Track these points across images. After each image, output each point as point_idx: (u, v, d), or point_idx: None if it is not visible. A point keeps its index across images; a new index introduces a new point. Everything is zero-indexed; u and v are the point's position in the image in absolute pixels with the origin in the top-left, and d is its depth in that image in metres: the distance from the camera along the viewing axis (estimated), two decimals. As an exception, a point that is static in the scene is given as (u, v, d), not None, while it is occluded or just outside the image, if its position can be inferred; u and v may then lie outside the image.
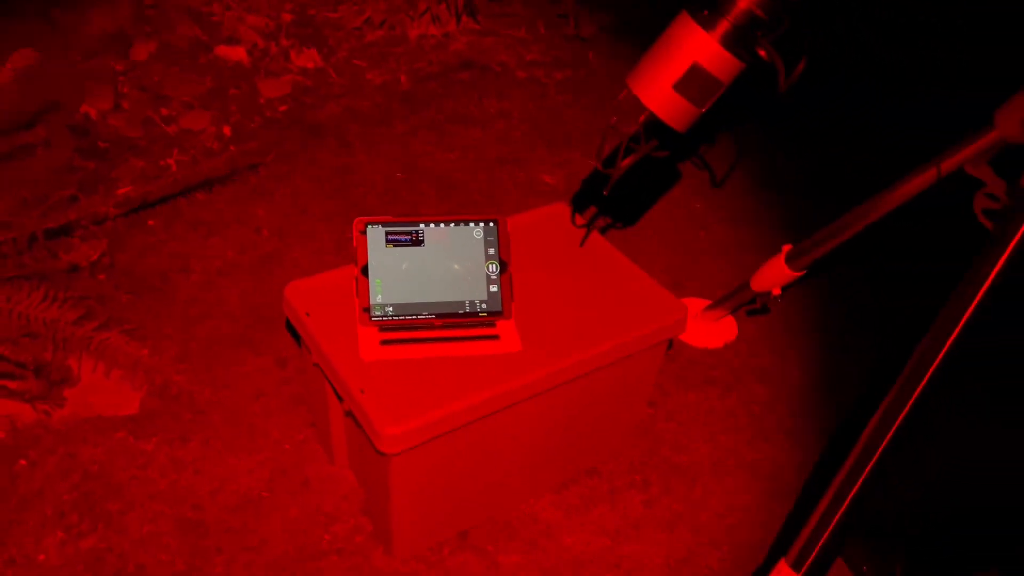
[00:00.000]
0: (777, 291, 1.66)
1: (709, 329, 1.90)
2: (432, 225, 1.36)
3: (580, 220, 1.55)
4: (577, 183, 2.39)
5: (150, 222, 2.04)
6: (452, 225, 1.37)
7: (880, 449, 1.05)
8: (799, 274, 1.60)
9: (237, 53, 2.63)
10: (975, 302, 0.99)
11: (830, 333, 1.99)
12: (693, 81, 1.00)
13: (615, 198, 2.29)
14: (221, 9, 2.75)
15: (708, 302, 1.94)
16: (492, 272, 1.37)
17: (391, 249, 1.34)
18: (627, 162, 1.09)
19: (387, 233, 1.34)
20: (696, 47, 0.99)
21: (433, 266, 1.35)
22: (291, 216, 2.14)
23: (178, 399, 1.62)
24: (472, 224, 1.37)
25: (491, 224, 1.38)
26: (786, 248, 1.62)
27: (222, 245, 2.02)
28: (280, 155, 2.32)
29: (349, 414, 1.30)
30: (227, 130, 2.37)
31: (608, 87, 2.85)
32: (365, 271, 1.33)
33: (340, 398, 1.34)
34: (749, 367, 1.88)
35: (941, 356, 1.00)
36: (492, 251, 1.38)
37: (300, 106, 2.54)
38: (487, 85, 2.77)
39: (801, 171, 2.57)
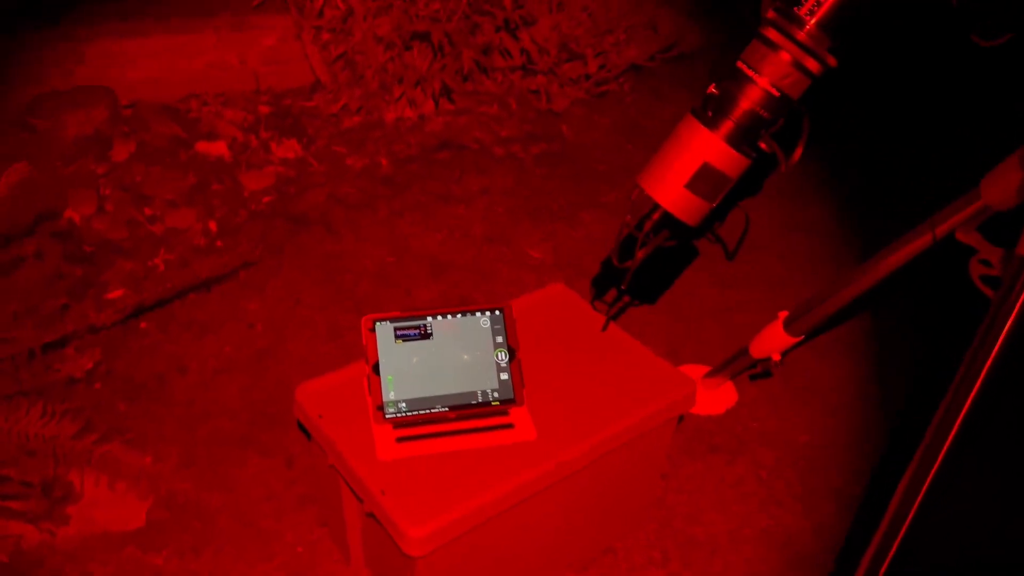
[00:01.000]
0: (777, 357, 1.68)
1: (710, 396, 1.92)
2: (439, 317, 1.37)
3: (600, 306, 1.57)
4: (563, 256, 2.42)
5: (143, 325, 2.03)
6: (459, 316, 1.38)
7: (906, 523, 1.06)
8: (798, 339, 1.63)
9: (217, 148, 2.65)
10: (983, 374, 1.02)
11: (828, 393, 2.02)
12: (704, 180, 1.04)
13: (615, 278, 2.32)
14: (198, 105, 2.79)
15: (706, 368, 1.96)
16: (501, 360, 1.38)
17: (400, 345, 1.35)
18: (641, 256, 1.12)
19: (396, 329, 1.35)
20: (705, 148, 1.04)
21: (443, 358, 1.36)
22: (284, 308, 2.14)
23: (185, 508, 1.59)
24: (479, 314, 1.39)
25: (497, 312, 1.39)
26: (783, 314, 1.65)
27: (217, 343, 2.01)
28: (268, 247, 2.33)
29: (371, 516, 1.28)
30: (213, 226, 2.38)
31: (583, 158, 2.91)
32: (376, 369, 1.33)
33: (360, 499, 1.32)
34: (752, 432, 1.89)
35: (955, 430, 1.03)
36: (500, 339, 1.39)
37: (284, 197, 2.56)
38: (466, 163, 2.81)
39: (788, 232, 2.63)
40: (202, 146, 2.65)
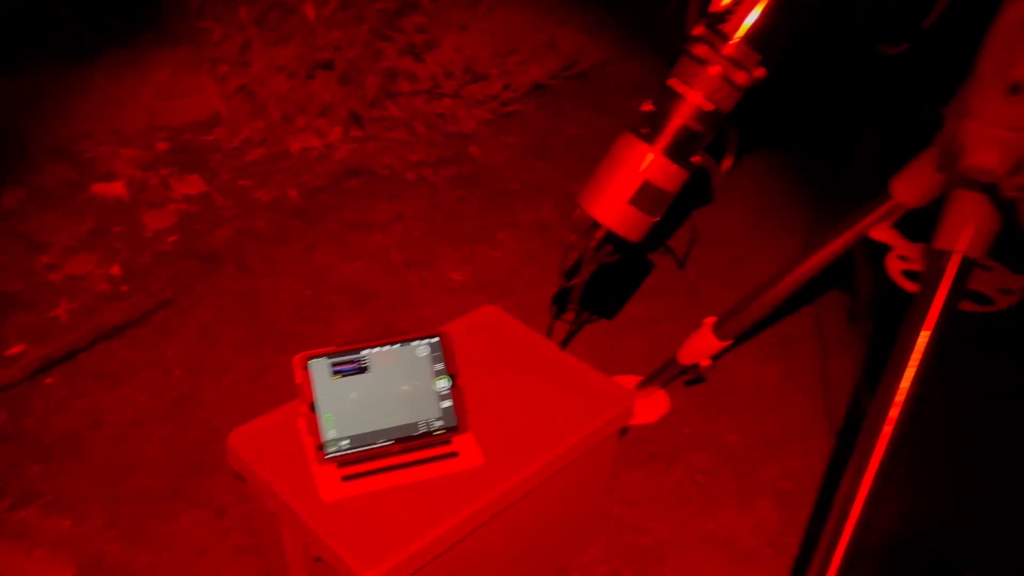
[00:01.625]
0: (707, 362, 1.72)
1: (644, 405, 1.94)
2: (376, 349, 1.34)
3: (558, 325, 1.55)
4: (484, 276, 2.41)
5: (48, 380, 1.91)
6: (396, 346, 1.35)
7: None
8: (727, 343, 1.67)
9: (115, 188, 2.54)
10: (917, 367, 1.06)
11: (753, 393, 2.08)
12: (646, 196, 1.05)
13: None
14: (92, 145, 2.66)
15: (637, 379, 1.99)
16: (442, 388, 1.36)
17: (337, 380, 1.31)
18: (587, 273, 1.13)
19: (331, 365, 1.31)
20: (644, 164, 1.05)
21: (382, 391, 1.33)
22: (201, 351, 2.05)
23: (114, 571, 1.49)
24: (415, 342, 1.36)
25: (434, 340, 1.37)
26: (709, 320, 1.69)
27: (132, 393, 1.91)
28: (179, 289, 2.24)
29: (319, 560, 1.24)
30: (116, 270, 2.27)
31: (495, 178, 2.92)
32: (314, 407, 1.29)
33: (306, 544, 1.27)
34: (685, 437, 1.93)
35: (896, 420, 1.07)
36: (439, 367, 1.37)
37: (190, 235, 2.46)
38: (378, 190, 2.78)
39: (708, 252, 2.70)
40: (99, 187, 2.53)
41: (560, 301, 2.21)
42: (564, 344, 2.10)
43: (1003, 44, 1.05)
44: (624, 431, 1.64)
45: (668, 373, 1.86)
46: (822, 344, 2.22)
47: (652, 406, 1.95)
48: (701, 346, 1.72)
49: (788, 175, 3.06)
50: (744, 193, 2.92)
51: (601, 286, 2.41)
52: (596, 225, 1.08)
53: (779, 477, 1.83)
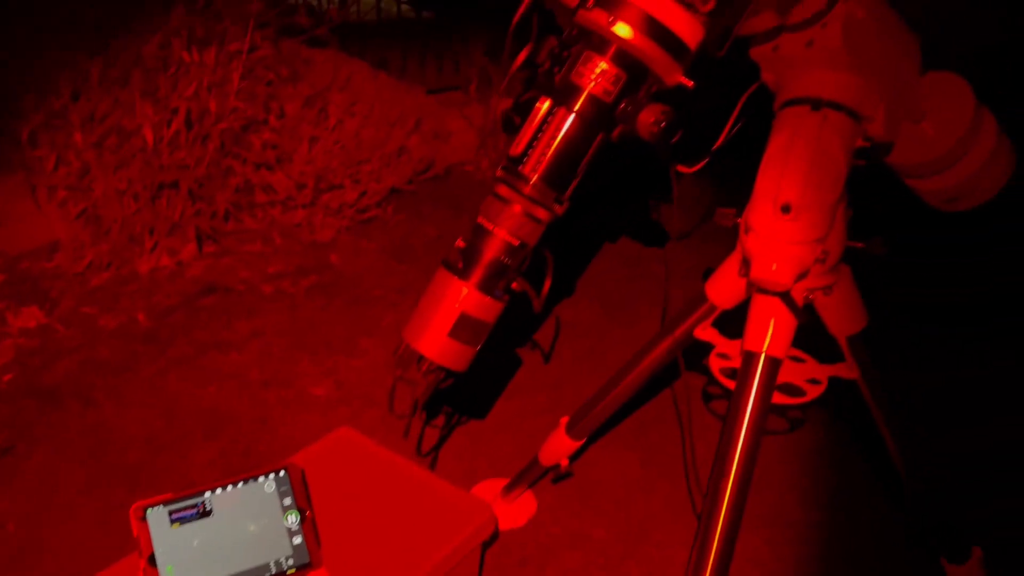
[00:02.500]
0: (565, 462, 1.75)
1: (511, 509, 1.95)
2: (218, 491, 1.29)
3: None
4: (348, 389, 2.38)
5: None
6: (240, 485, 1.31)
7: None
8: (582, 441, 1.71)
9: (-58, 327, 2.38)
10: (738, 460, 1.13)
11: (616, 486, 2.12)
12: (464, 328, 1.09)
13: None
14: (-85, 282, 2.49)
15: (504, 480, 1.99)
16: (292, 523, 1.32)
17: (178, 529, 1.26)
18: (419, 406, 1.14)
19: (170, 513, 1.26)
20: (460, 298, 1.09)
21: (227, 534, 1.28)
22: (41, 499, 1.92)
23: None
24: (262, 479, 1.33)
25: (282, 473, 1.34)
26: (564, 419, 1.73)
27: (-42, 556, 1.75)
28: (15, 432, 2.10)
29: None
30: (-57, 417, 2.11)
31: (356, 284, 2.92)
32: (152, 561, 1.23)
33: None
34: (555, 537, 1.93)
35: (727, 509, 1.12)
36: (288, 501, 1.33)
37: (28, 371, 2.32)
38: (234, 306, 2.72)
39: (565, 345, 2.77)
40: (-78, 328, 2.36)
41: (427, 409, 2.21)
42: (435, 450, 2.09)
43: (773, 167, 1.17)
44: (493, 538, 1.64)
45: (532, 474, 1.88)
46: (680, 425, 2.30)
47: (519, 509, 1.96)
48: (559, 447, 1.75)
49: (638, 267, 3.21)
50: (601, 287, 3.04)
51: (470, 387, 2.43)
52: (422, 358, 1.10)
53: (647, 571, 1.86)
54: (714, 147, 1.28)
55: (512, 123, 1.15)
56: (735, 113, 1.32)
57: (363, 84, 3.18)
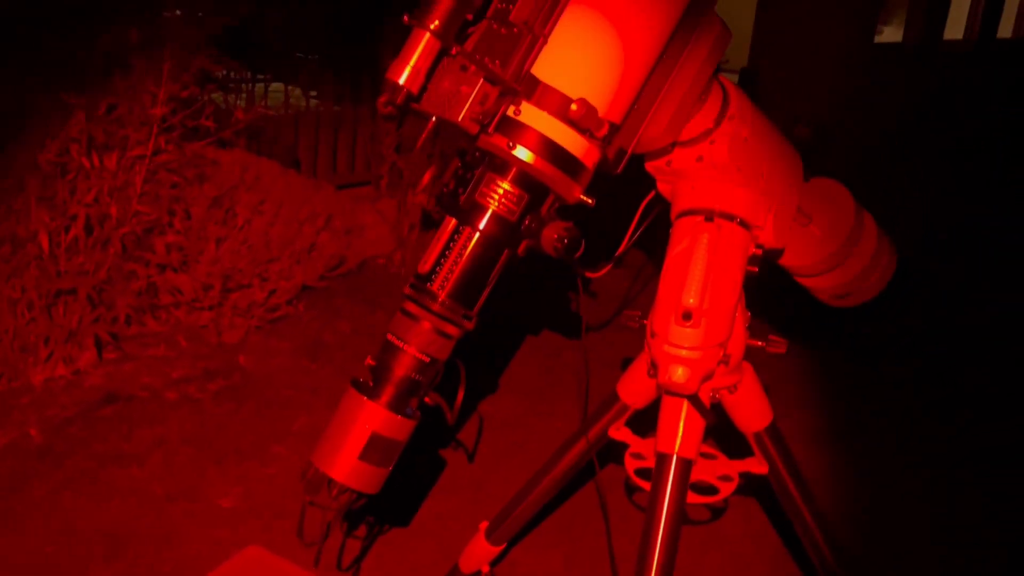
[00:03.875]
0: (486, 568, 1.72)
1: (432, 621, 1.89)
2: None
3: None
4: (258, 499, 2.29)
5: None
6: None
7: None
8: (502, 547, 1.69)
9: None
10: (658, 559, 1.13)
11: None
12: (375, 449, 1.08)
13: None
14: None
15: (423, 592, 1.94)
16: (197, 661, 1.25)
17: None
18: (333, 527, 1.11)
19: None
20: (371, 418, 1.08)
21: None
22: (-86, 644, 1.75)
23: None
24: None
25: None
26: (483, 525, 1.70)
27: None
28: None
29: None
30: None
31: (267, 386, 2.84)
32: None
33: None
34: (479, 646, 1.88)
35: None
36: (192, 637, 1.26)
37: (-95, 498, 2.15)
38: (136, 415, 2.60)
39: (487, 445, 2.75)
40: None
41: (347, 519, 2.14)
42: (356, 563, 2.02)
43: (673, 275, 1.22)
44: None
45: (453, 584, 1.83)
46: (605, 520, 2.30)
47: (441, 620, 1.90)
48: (479, 553, 1.71)
49: (559, 358, 3.24)
50: (521, 379, 3.04)
51: (391, 492, 2.37)
52: (332, 482, 1.08)
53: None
54: (617, 253, 1.33)
55: (432, 219, 1.16)
56: (635, 220, 1.38)
57: (272, 183, 3.17)
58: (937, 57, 7.29)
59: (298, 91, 4.62)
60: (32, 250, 2.39)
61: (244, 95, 4.17)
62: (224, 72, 2.81)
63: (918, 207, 5.22)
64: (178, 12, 2.41)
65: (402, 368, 1.11)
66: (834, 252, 1.46)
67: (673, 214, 1.34)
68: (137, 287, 2.73)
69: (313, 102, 4.48)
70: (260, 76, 4.27)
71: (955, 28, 7.62)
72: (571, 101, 1.03)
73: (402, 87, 1.00)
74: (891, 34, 7.03)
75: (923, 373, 3.29)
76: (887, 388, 3.19)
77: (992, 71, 7.95)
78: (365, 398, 1.10)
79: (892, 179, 5.82)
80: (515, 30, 1.01)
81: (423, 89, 1.02)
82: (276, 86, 4.56)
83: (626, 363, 1.48)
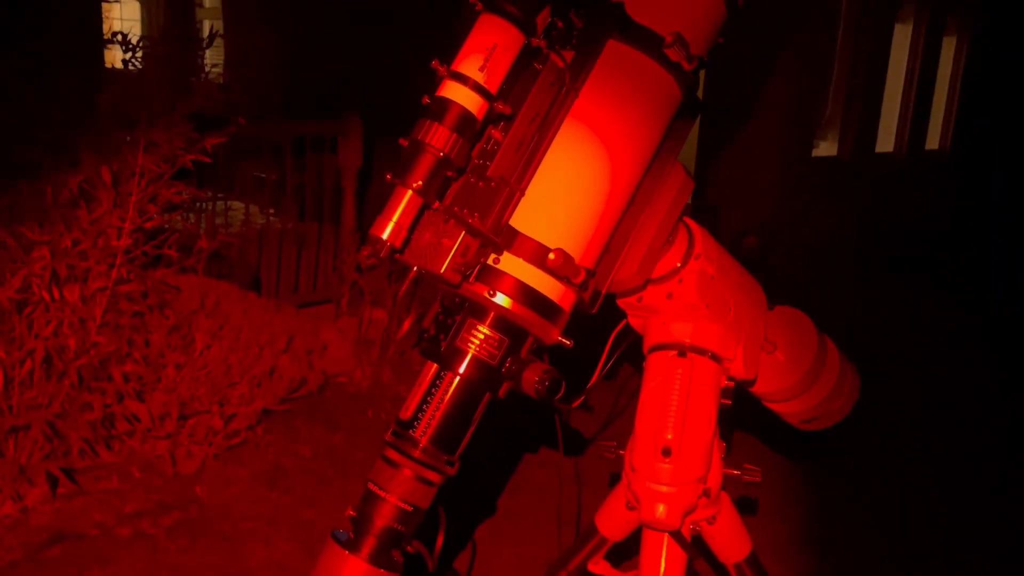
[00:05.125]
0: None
1: None
2: None
3: None
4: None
5: None
6: None
7: None
8: None
9: None
10: None
11: None
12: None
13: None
14: None
15: None
16: None
17: None
18: None
19: None
20: (352, 573, 1.05)
21: None
22: None
23: None
24: None
25: None
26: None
27: None
28: None
29: None
30: None
31: (223, 518, 2.74)
32: None
33: None
34: None
35: None
36: None
37: None
38: (85, 556, 2.48)
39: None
40: None
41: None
42: None
43: (650, 411, 1.24)
44: None
45: None
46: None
47: None
48: None
49: (521, 474, 3.20)
50: (492, 501, 2.99)
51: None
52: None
53: None
54: (589, 384, 1.35)
55: (421, 332, 1.16)
56: (606, 352, 1.40)
57: (231, 307, 3.15)
58: (870, 168, 7.70)
59: (256, 208, 4.67)
60: (-17, 387, 2.33)
61: (204, 215, 4.19)
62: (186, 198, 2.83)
63: (858, 304, 5.43)
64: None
65: (383, 518, 1.08)
66: (800, 378, 1.49)
67: (645, 348, 1.37)
68: (92, 418, 2.64)
69: (273, 219, 4.52)
70: (220, 195, 4.31)
71: (885, 142, 8.09)
72: (548, 250, 1.06)
73: (385, 242, 1.03)
74: (827, 148, 7.41)
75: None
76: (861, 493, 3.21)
77: (922, 179, 8.42)
78: (345, 552, 1.07)
79: (833, 280, 6.04)
80: (493, 184, 1.05)
81: (406, 242, 1.05)
82: (235, 204, 4.60)
83: (601, 481, 1.47)
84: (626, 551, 1.50)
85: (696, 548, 1.28)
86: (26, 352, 2.35)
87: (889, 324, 5.32)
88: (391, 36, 6.20)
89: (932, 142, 8.88)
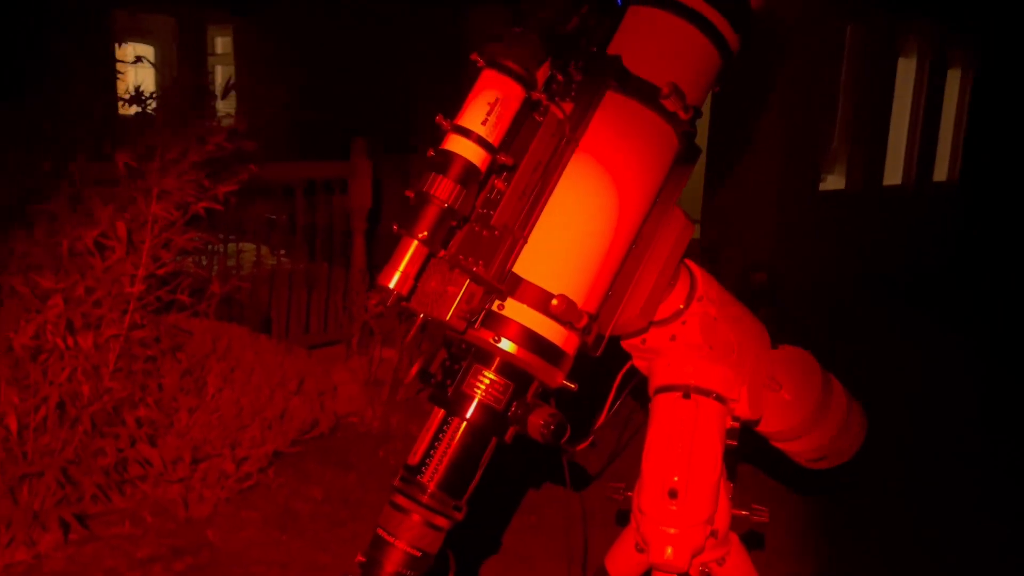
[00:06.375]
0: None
1: None
2: None
3: None
4: None
5: None
6: None
7: None
8: None
9: None
10: None
11: None
12: None
13: None
14: None
15: None
16: None
17: None
18: None
19: None
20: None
21: None
22: None
23: None
24: None
25: None
26: None
27: None
28: None
29: None
30: None
31: (235, 563, 2.74)
32: None
33: None
34: None
35: None
36: None
37: None
38: (98, 602, 2.48)
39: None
40: None
41: None
42: None
43: (656, 453, 1.25)
44: None
45: None
46: None
47: None
48: None
49: (533, 514, 3.18)
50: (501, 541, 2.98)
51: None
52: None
53: None
54: (595, 426, 1.36)
55: (428, 377, 1.17)
56: (612, 393, 1.42)
57: (243, 350, 3.17)
58: (879, 200, 7.72)
59: (267, 249, 4.71)
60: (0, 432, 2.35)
61: (216, 257, 4.23)
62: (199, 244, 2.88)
63: (865, 339, 5.41)
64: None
65: (393, 564, 1.09)
66: (806, 417, 1.50)
67: (651, 389, 1.38)
68: (105, 463, 2.66)
69: (284, 260, 4.55)
70: (231, 237, 4.36)
71: (893, 175, 8.11)
72: (552, 296, 1.08)
73: (392, 291, 1.05)
74: (834, 182, 7.43)
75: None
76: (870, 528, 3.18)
77: (931, 210, 8.42)
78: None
79: (840, 315, 6.03)
80: (496, 232, 1.08)
81: (412, 290, 1.08)
82: (246, 245, 4.65)
83: (608, 519, 1.47)
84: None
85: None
86: (40, 399, 2.37)
87: (897, 359, 5.29)
88: (398, 77, 6.31)
89: (940, 173, 8.90)
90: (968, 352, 5.64)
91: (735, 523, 1.37)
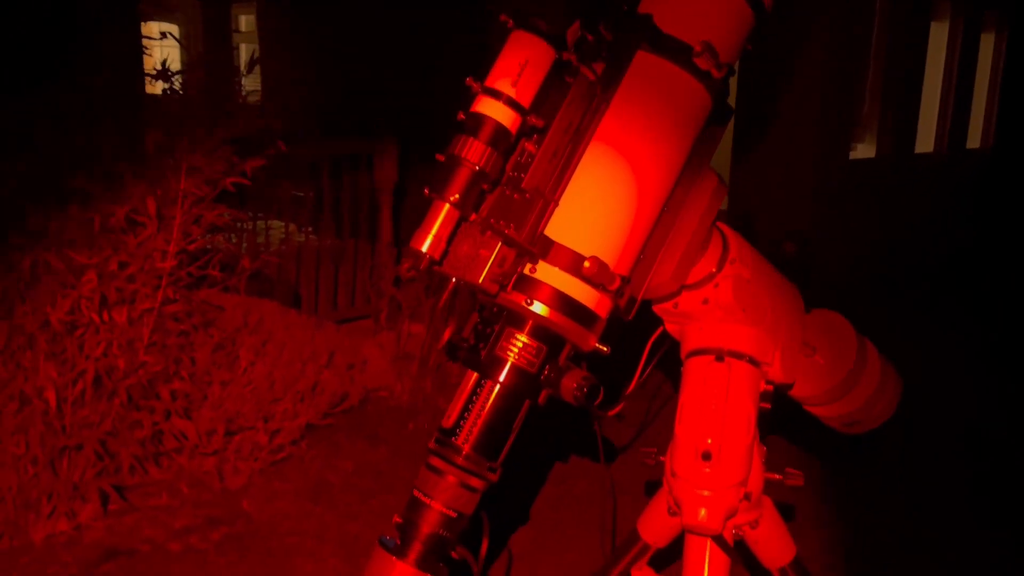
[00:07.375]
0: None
1: None
2: None
3: None
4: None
5: None
6: None
7: None
8: None
9: None
10: None
11: None
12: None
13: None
14: None
15: None
16: None
17: None
18: None
19: None
20: (399, 576, 1.08)
21: None
22: None
23: None
24: None
25: None
26: None
27: None
28: None
29: None
30: None
31: (271, 533, 2.79)
32: None
33: None
34: None
35: None
36: None
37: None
38: (138, 571, 2.54)
39: None
40: None
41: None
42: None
43: (690, 416, 1.25)
44: None
45: None
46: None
47: None
48: None
49: (563, 485, 3.20)
50: (531, 512, 3.00)
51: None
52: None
53: None
54: (627, 391, 1.36)
55: (455, 350, 1.17)
56: (643, 359, 1.41)
57: (274, 324, 3.21)
58: (910, 168, 7.58)
59: (295, 226, 4.76)
60: (39, 405, 2.40)
61: (245, 234, 4.28)
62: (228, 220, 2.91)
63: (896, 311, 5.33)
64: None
65: (429, 525, 1.10)
66: (840, 381, 1.48)
67: (683, 353, 1.38)
68: (141, 436, 2.71)
69: (312, 237, 4.59)
70: (260, 215, 4.40)
71: (924, 142, 7.96)
72: (583, 258, 1.08)
73: (424, 254, 1.05)
74: (864, 150, 7.31)
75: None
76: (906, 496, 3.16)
77: (964, 178, 8.26)
78: (392, 557, 1.09)
79: (873, 286, 5.95)
80: (527, 195, 1.07)
81: (444, 254, 1.08)
82: (275, 223, 4.69)
83: (639, 490, 1.47)
84: (669, 557, 1.51)
85: (739, 553, 1.28)
86: (78, 373, 2.42)
87: (928, 333, 5.21)
88: (422, 53, 6.28)
89: (973, 141, 8.72)
90: (1000, 326, 5.54)
91: (769, 487, 1.36)
